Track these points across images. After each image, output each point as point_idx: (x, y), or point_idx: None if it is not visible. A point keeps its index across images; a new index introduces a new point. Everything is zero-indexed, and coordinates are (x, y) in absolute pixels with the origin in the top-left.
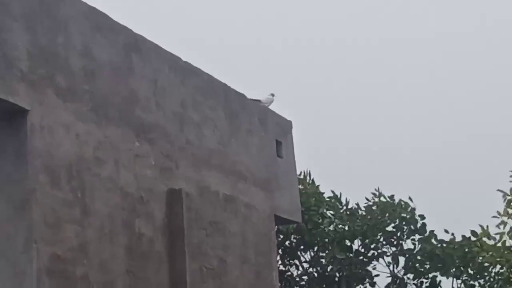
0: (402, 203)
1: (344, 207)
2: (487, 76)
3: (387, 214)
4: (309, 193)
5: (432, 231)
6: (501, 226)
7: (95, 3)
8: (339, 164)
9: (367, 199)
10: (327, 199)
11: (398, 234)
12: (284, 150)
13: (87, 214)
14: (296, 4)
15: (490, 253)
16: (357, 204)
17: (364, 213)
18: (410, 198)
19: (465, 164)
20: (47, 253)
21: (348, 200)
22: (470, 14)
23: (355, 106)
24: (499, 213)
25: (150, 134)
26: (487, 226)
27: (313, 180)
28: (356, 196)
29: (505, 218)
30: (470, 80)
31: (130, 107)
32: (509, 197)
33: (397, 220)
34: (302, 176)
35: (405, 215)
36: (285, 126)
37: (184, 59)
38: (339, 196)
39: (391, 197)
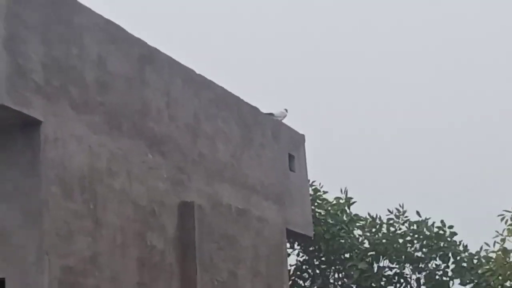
0: (434, 227)
1: (376, 223)
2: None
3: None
4: (328, 205)
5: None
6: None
7: (109, 16)
8: (354, 178)
9: (389, 211)
10: (358, 218)
11: (423, 257)
12: (296, 163)
13: (99, 226)
14: (310, 17)
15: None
16: (380, 218)
17: (385, 230)
18: (442, 222)
19: (485, 177)
20: (59, 264)
21: (381, 218)
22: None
23: (373, 121)
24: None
25: (162, 147)
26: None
27: (348, 196)
28: (369, 209)
29: (510, 238)
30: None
31: (143, 119)
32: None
33: (425, 241)
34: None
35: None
36: (298, 140)
37: (197, 71)
38: (375, 216)
39: (418, 213)
